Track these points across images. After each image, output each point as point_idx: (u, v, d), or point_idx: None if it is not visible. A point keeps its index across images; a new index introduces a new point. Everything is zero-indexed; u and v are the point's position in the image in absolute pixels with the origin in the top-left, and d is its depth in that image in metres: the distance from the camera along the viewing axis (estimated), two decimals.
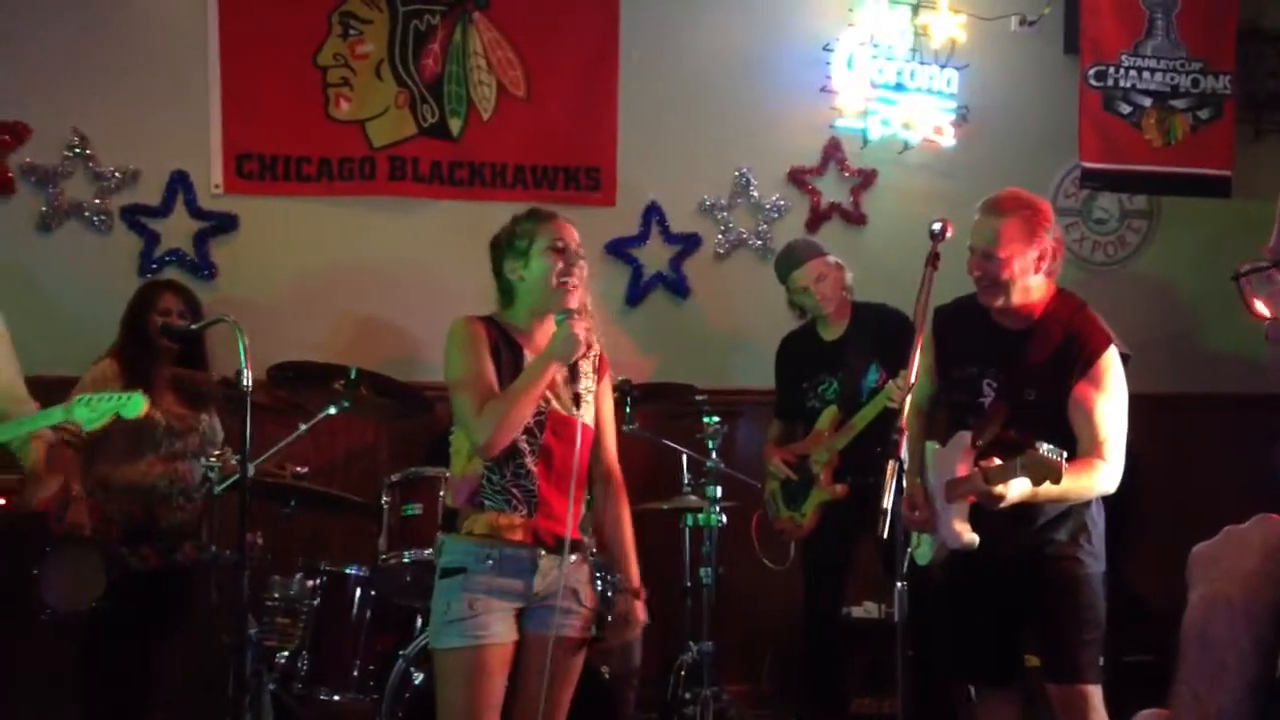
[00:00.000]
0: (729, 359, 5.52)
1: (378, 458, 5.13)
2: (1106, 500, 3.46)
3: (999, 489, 3.19)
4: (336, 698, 4.18)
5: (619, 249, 5.45)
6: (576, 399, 3.18)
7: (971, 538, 3.36)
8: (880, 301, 4.69)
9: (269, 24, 5.14)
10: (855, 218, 5.63)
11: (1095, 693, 3.39)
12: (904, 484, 3.22)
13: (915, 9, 5.48)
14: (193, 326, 4.30)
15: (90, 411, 3.54)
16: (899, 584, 3.04)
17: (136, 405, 3.57)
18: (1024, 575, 3.43)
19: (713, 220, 5.54)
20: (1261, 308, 2.69)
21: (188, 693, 4.62)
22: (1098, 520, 3.46)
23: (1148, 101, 5.46)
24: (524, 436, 3.11)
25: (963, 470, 3.35)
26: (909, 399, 3.16)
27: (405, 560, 4.02)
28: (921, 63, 5.47)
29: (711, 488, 4.56)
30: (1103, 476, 3.32)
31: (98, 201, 5.03)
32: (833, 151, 5.60)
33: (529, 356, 3.18)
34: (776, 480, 4.71)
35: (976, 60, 5.55)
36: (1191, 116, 5.50)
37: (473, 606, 3.04)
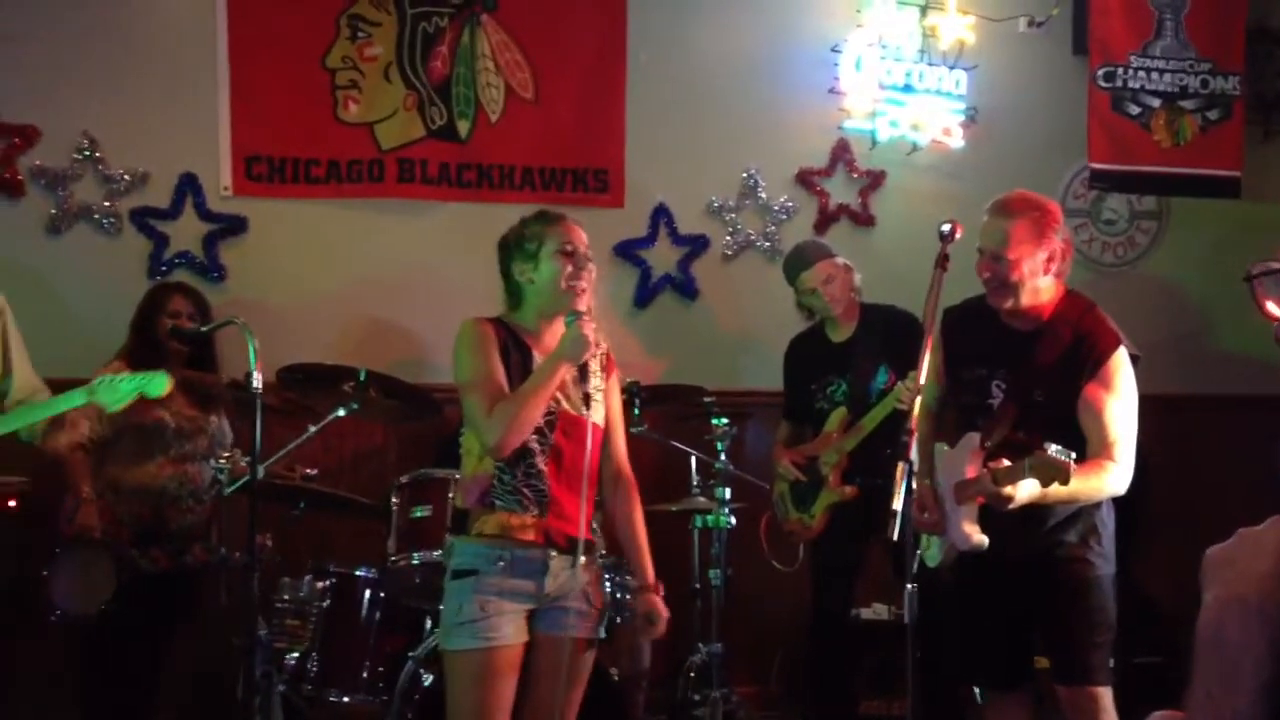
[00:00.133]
0: (737, 360, 5.51)
1: (387, 459, 5.13)
2: (1116, 501, 3.44)
3: (1008, 490, 3.18)
4: (346, 699, 4.19)
5: (627, 251, 5.44)
6: (586, 399, 3.18)
7: (981, 539, 3.36)
8: (889, 303, 4.69)
9: (277, 26, 5.14)
10: (864, 219, 5.63)
11: (1105, 694, 3.39)
12: (913, 486, 3.22)
13: (924, 10, 5.46)
14: (202, 329, 4.32)
15: (113, 393, 3.51)
16: (908, 586, 3.03)
17: (160, 384, 3.54)
18: (1034, 577, 3.43)
19: (721, 222, 5.53)
20: (1274, 309, 2.69)
21: (197, 694, 4.64)
22: (1108, 522, 3.46)
23: (1157, 102, 5.45)
24: (534, 436, 3.11)
25: (972, 472, 3.36)
26: (918, 400, 3.16)
27: (414, 562, 4.03)
28: (930, 64, 5.46)
29: (720, 489, 4.56)
30: (1112, 478, 3.31)
31: (107, 204, 5.03)
32: (841, 153, 5.60)
33: (538, 357, 3.19)
34: (785, 482, 4.70)
35: (985, 61, 5.54)
36: (1200, 117, 5.48)
37: (484, 609, 3.04)
